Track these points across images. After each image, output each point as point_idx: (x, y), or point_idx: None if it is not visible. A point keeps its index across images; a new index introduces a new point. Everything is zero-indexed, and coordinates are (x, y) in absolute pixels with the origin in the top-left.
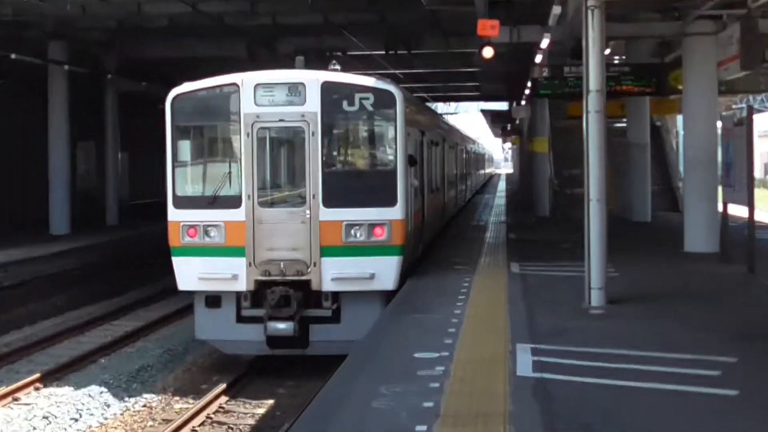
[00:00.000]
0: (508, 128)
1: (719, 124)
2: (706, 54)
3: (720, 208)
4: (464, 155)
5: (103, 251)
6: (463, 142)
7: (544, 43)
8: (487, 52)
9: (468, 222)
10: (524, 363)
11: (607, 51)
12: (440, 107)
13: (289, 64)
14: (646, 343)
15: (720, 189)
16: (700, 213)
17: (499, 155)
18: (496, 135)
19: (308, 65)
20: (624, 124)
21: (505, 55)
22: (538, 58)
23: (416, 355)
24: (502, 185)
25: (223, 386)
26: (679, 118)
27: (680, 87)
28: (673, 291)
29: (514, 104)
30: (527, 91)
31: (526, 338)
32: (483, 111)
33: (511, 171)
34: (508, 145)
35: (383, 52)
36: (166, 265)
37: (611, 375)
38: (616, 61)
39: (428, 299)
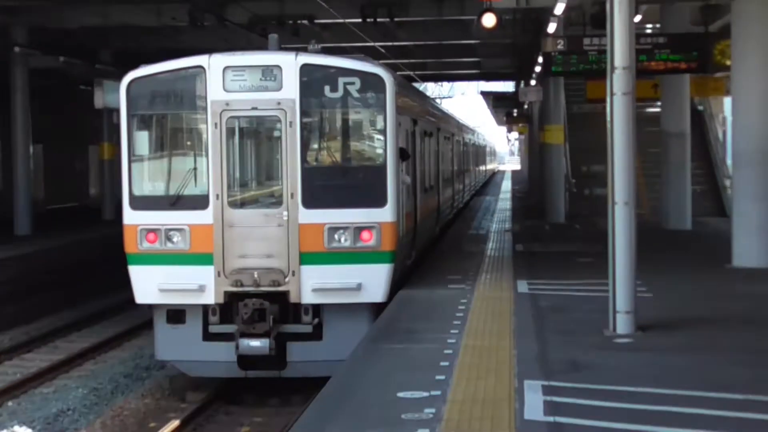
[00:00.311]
0: (515, 114)
1: None
2: (761, 20)
3: None
4: (461, 148)
5: (9, 268)
6: (460, 132)
7: (559, 9)
8: (489, 20)
9: (465, 230)
10: (534, 404)
11: (638, 18)
12: (431, 89)
13: (245, 36)
14: (687, 380)
15: None
16: (752, 219)
17: (503, 147)
18: (499, 123)
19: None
20: (658, 109)
21: (511, 23)
22: (552, 28)
23: (401, 394)
24: (506, 185)
25: (175, 423)
26: (727, 101)
27: (728, 62)
28: (719, 316)
29: (522, 84)
30: (538, 69)
31: (537, 374)
32: (483, 93)
33: (517, 167)
34: (515, 135)
35: (360, 20)
36: (93, 284)
37: (642, 419)
38: (648, 31)
39: (416, 325)
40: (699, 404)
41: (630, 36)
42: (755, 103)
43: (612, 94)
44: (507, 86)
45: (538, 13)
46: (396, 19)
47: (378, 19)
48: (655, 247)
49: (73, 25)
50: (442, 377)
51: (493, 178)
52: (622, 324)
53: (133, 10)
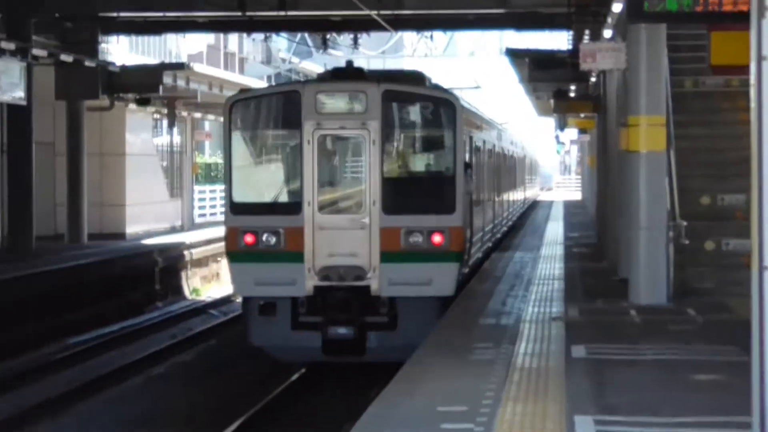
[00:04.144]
0: (571, 94)
1: None
2: None
3: None
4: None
5: None
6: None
7: None
8: None
9: (479, 313)
10: None
11: None
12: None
13: None
14: None
15: None
16: None
17: (549, 156)
18: (541, 111)
19: None
20: None
21: None
22: None
23: None
24: (554, 229)
25: None
26: None
27: None
28: None
29: (585, 38)
30: (616, 8)
31: None
32: (511, 52)
33: (576, 195)
34: (573, 132)
35: None
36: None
37: None
38: None
39: None
40: None
41: None
42: None
43: (761, 59)
44: (554, 41)
45: None
46: None
47: None
48: None
49: None
50: None
51: (531, 212)
52: None
53: None
